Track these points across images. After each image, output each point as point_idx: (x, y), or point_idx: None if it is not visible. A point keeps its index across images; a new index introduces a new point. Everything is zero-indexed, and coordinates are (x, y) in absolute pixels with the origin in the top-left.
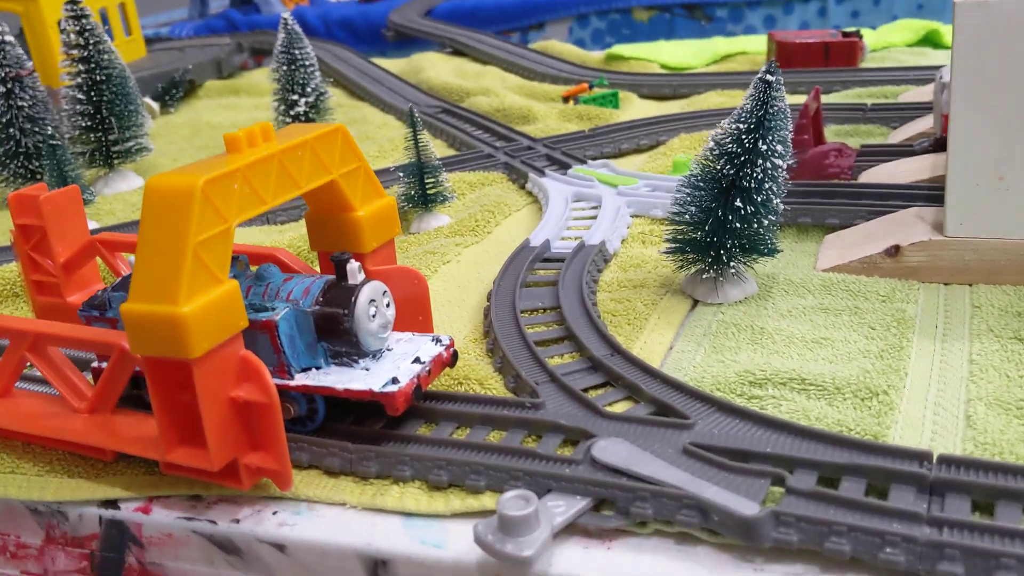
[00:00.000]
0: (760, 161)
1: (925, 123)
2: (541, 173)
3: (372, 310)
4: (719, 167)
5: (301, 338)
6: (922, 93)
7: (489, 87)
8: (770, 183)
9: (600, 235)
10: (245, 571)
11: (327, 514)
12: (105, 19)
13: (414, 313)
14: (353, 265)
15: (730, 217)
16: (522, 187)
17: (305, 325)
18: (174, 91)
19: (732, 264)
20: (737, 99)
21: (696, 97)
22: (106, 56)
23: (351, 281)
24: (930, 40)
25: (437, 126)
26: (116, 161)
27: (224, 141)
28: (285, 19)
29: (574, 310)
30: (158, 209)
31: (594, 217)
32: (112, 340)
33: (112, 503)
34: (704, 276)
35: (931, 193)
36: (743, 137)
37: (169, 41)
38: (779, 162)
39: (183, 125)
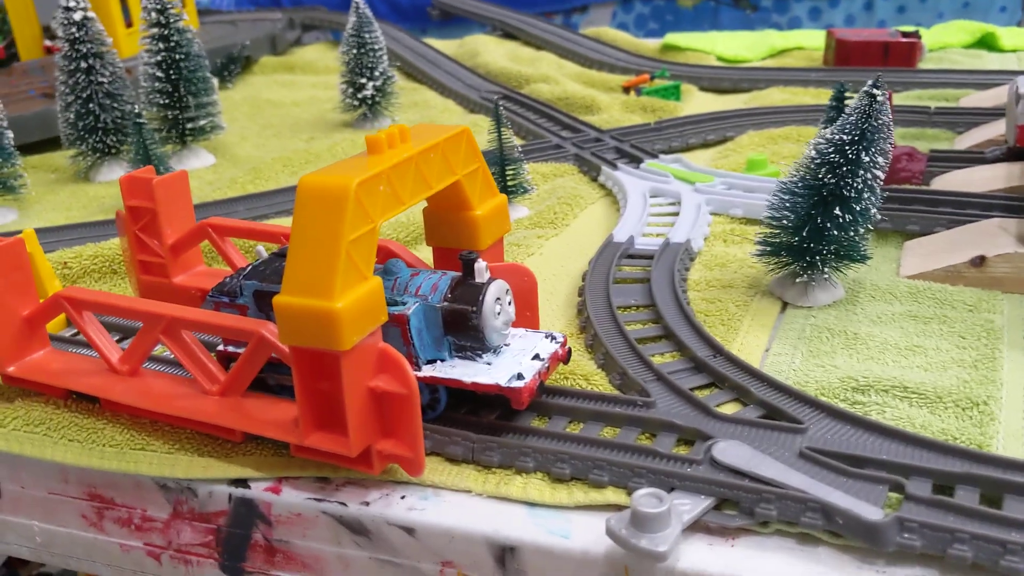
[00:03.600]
0: (861, 172)
1: (993, 130)
2: (614, 166)
3: (497, 308)
4: (820, 175)
5: (428, 332)
6: (984, 98)
7: (548, 74)
8: (869, 193)
9: (684, 233)
10: (372, 551)
11: (453, 500)
12: None
13: (522, 309)
14: (481, 264)
15: (828, 224)
16: (594, 179)
17: (433, 320)
18: (232, 67)
19: (825, 270)
20: (799, 96)
21: (758, 92)
22: (184, 34)
23: (478, 279)
24: (985, 43)
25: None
26: (189, 138)
27: (366, 142)
28: (356, 3)
29: (669, 308)
30: (313, 207)
31: (675, 214)
32: (252, 328)
33: (243, 482)
34: (796, 280)
35: (1010, 203)
36: (846, 148)
37: (219, 14)
38: (879, 173)
39: (243, 102)
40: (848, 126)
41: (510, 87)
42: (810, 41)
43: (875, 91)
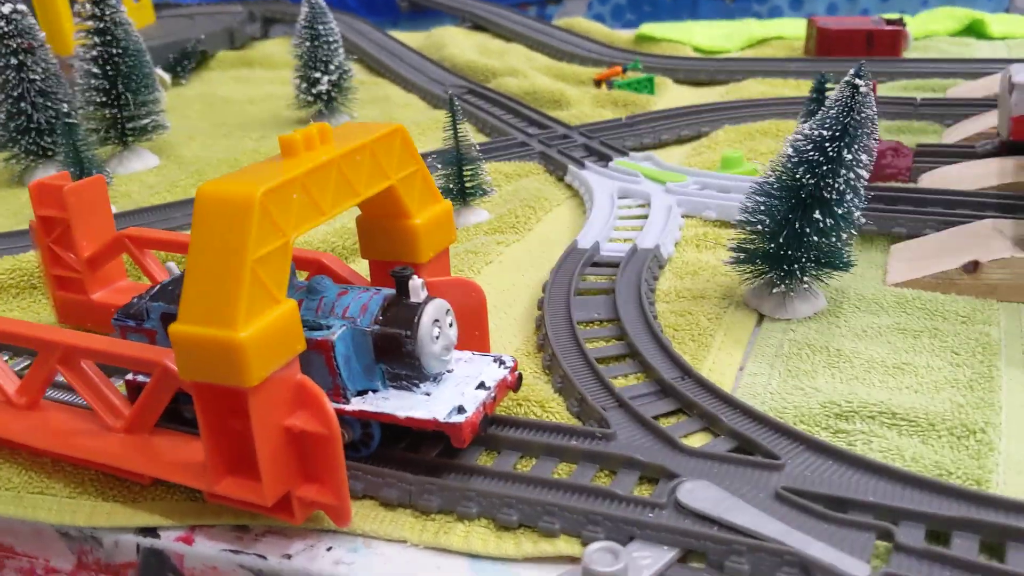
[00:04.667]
0: (844, 171)
1: (983, 122)
2: (581, 165)
3: (436, 331)
4: (798, 175)
5: (358, 359)
6: (973, 88)
7: (516, 67)
8: (852, 195)
9: (653, 238)
10: None
11: (386, 552)
12: None
13: (470, 328)
14: (416, 282)
15: (807, 229)
16: (560, 179)
17: (363, 345)
18: (186, 62)
19: (805, 279)
20: (779, 88)
21: (736, 85)
22: (123, 27)
23: (413, 299)
24: (974, 30)
25: (465, 108)
26: (130, 139)
27: (279, 144)
28: None
29: (635, 323)
30: (212, 220)
31: (644, 217)
32: (154, 358)
33: (151, 531)
34: (773, 290)
35: (1004, 202)
36: (827, 145)
37: (178, 8)
38: (862, 172)
39: (196, 99)
40: (829, 120)
41: (476, 81)
42: (791, 30)
43: (858, 81)
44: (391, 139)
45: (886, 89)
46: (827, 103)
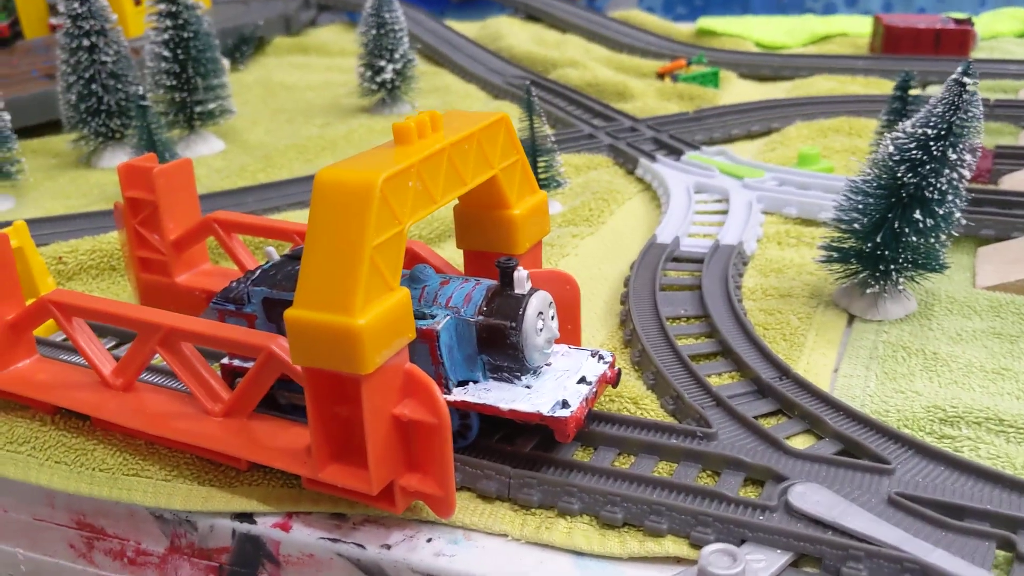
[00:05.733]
0: (947, 171)
1: None
2: (652, 158)
3: (539, 323)
4: (899, 174)
5: (460, 349)
6: None
7: (576, 58)
8: (954, 195)
9: (736, 234)
10: None
11: (487, 545)
12: None
13: (564, 322)
14: (522, 273)
15: (907, 229)
16: (631, 172)
17: (466, 336)
18: (244, 48)
19: (900, 279)
20: (847, 86)
21: (801, 81)
22: (193, 11)
23: (518, 290)
24: None
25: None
26: (198, 123)
27: (393, 131)
28: None
29: (725, 320)
30: (331, 206)
31: (724, 212)
32: (261, 343)
33: (247, 516)
34: (867, 291)
35: None
36: (931, 143)
37: None
38: (966, 173)
39: (255, 84)
40: (934, 119)
41: (536, 72)
42: (854, 27)
43: (966, 79)
44: (497, 128)
45: None
46: (931, 101)
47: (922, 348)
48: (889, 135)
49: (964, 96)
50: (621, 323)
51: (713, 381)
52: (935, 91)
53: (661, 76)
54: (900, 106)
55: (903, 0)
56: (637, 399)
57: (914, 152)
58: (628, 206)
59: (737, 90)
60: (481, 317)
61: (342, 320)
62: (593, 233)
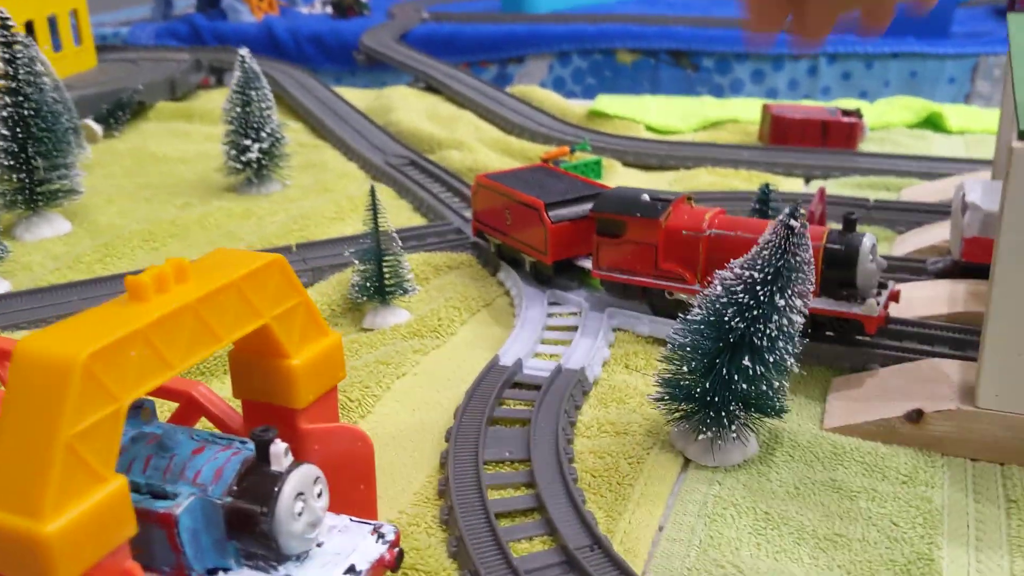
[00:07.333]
0: (776, 317)
1: (934, 234)
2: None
3: (299, 506)
4: (727, 317)
5: (208, 533)
6: (927, 192)
7: (463, 139)
8: (784, 341)
9: (581, 356)
10: None
11: None
12: (54, 26)
13: (354, 481)
14: (278, 448)
15: (736, 376)
16: (494, 274)
17: (213, 518)
18: (120, 114)
19: (734, 426)
20: (729, 179)
21: (685, 172)
22: (37, 86)
23: (274, 467)
24: (931, 123)
25: (403, 184)
26: (40, 204)
27: (125, 285)
28: (242, 56)
29: (547, 469)
30: (27, 386)
31: (574, 328)
32: None
33: None
34: (699, 437)
35: (953, 336)
36: (758, 288)
37: (124, 51)
38: (797, 318)
39: (126, 154)
40: (761, 262)
41: (419, 151)
42: (747, 113)
43: (793, 222)
44: (267, 272)
45: (839, 185)
46: (761, 241)
47: (754, 506)
48: (719, 272)
49: (792, 239)
50: (440, 465)
51: (521, 548)
52: (832, 187)
53: (545, 163)
54: (760, 218)
55: (809, 79)
56: (433, 573)
57: (741, 296)
58: (483, 314)
59: (620, 179)
60: (229, 498)
61: (26, 524)
62: (439, 347)
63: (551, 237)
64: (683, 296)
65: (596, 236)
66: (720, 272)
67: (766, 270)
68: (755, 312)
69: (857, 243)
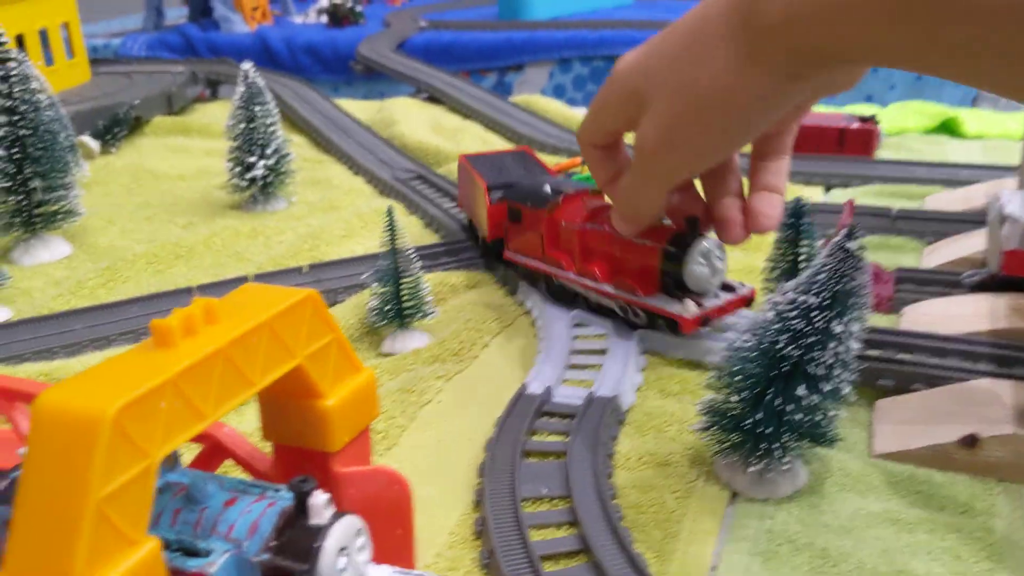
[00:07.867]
0: (833, 344)
1: (966, 245)
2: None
3: (342, 562)
4: (781, 345)
5: None
6: (952, 200)
7: (470, 151)
8: (842, 370)
9: (612, 382)
10: None
11: None
12: (45, 40)
13: (391, 525)
14: (318, 499)
15: (790, 407)
16: (513, 293)
17: None
18: (116, 130)
19: (786, 458)
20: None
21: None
22: (33, 104)
23: (315, 520)
24: (947, 128)
25: (412, 199)
26: (38, 226)
27: (151, 331)
28: (246, 71)
29: (589, 507)
30: (50, 445)
31: (602, 351)
32: None
33: None
34: (749, 469)
35: (999, 353)
36: (813, 314)
37: (116, 64)
38: (855, 345)
39: (123, 171)
40: (816, 285)
41: (426, 164)
42: None
43: (849, 245)
44: (300, 310)
45: (859, 194)
46: (814, 264)
47: (811, 541)
48: (770, 298)
49: (848, 262)
50: (475, 504)
51: None
52: (839, 195)
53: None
54: (793, 234)
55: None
56: None
57: (796, 322)
58: (505, 335)
59: None
60: (267, 556)
61: None
62: (462, 371)
63: (489, 217)
64: (564, 283)
65: (507, 221)
66: (772, 296)
67: (822, 294)
68: (810, 339)
69: (687, 245)
